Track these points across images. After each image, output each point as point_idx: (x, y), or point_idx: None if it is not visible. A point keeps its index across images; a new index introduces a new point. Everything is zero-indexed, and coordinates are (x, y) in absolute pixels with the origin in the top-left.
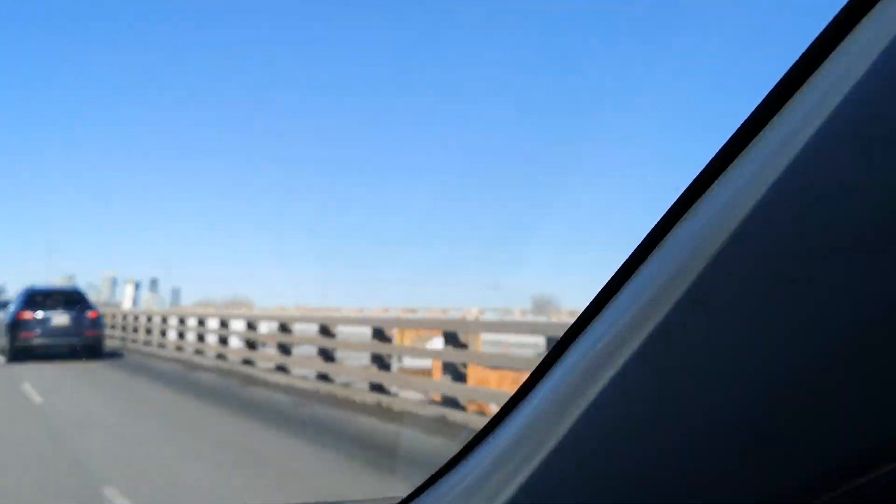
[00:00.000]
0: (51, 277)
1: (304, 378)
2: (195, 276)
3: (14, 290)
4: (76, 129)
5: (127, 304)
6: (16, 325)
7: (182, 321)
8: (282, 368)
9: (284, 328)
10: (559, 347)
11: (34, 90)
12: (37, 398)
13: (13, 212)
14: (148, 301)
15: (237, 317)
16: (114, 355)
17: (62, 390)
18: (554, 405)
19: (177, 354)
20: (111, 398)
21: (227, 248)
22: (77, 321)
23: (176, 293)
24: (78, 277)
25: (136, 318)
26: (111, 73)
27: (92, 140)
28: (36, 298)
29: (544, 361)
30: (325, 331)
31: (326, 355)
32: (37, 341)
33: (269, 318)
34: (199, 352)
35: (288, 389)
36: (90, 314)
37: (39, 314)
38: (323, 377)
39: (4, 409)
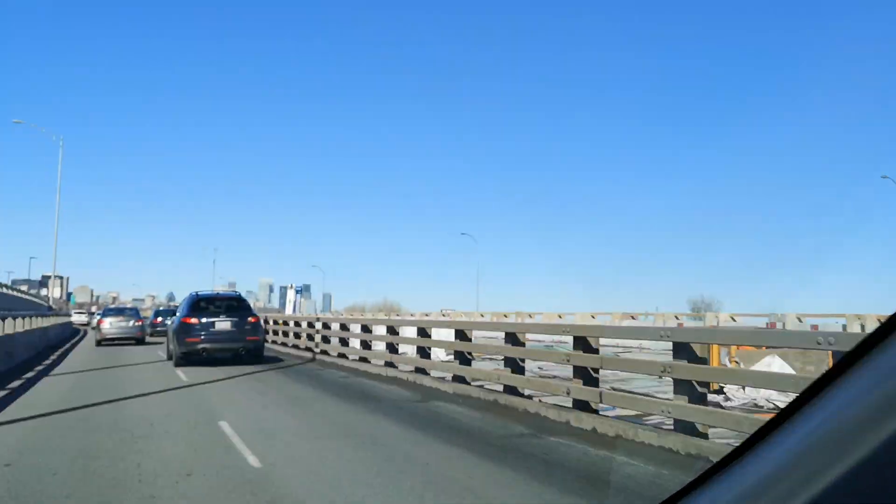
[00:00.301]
0: (214, 284)
1: (483, 388)
2: (344, 281)
3: (182, 298)
4: (236, 146)
5: (289, 310)
6: (182, 330)
7: (345, 327)
8: (460, 379)
9: (463, 336)
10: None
11: (205, 116)
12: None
13: (184, 225)
14: (301, 306)
15: (408, 323)
16: (275, 360)
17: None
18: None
19: (339, 361)
20: (298, 422)
21: (375, 254)
22: (239, 326)
23: (327, 298)
24: (238, 284)
25: (297, 323)
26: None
27: (248, 156)
28: (200, 304)
29: (812, 388)
30: (514, 339)
31: (515, 366)
32: (201, 346)
33: (447, 326)
34: (364, 359)
35: (472, 403)
36: (251, 319)
37: (203, 319)
38: (511, 390)
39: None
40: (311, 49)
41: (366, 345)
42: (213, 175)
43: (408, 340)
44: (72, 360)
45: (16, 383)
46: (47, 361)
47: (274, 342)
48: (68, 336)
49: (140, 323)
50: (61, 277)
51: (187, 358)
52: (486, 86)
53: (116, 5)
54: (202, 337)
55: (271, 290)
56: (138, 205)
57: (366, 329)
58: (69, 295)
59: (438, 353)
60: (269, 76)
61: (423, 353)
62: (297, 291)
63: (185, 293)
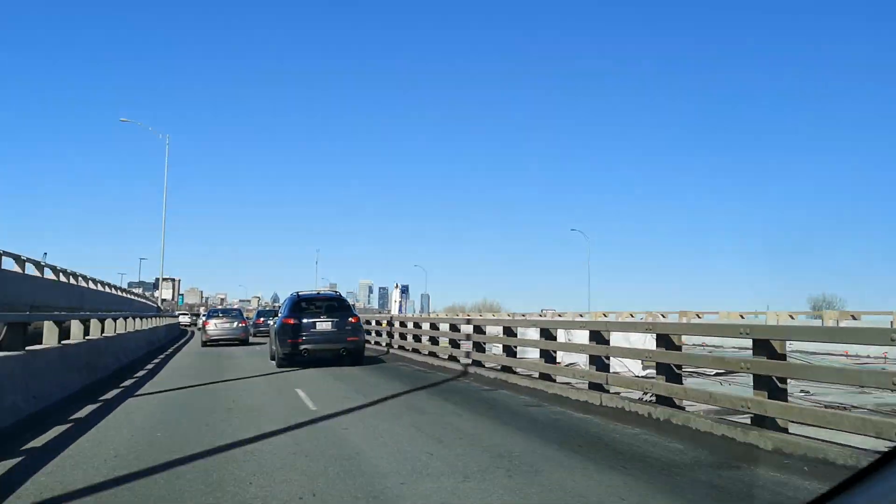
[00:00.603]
0: (317, 286)
1: (625, 398)
2: (442, 282)
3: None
4: (340, 149)
5: (395, 310)
6: (283, 331)
7: (455, 328)
8: (598, 387)
9: (599, 338)
10: None
11: (311, 120)
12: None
13: (289, 227)
14: (403, 306)
15: (526, 324)
16: (376, 360)
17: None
18: None
19: (448, 364)
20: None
21: (474, 254)
22: (340, 327)
23: (425, 299)
24: (339, 286)
25: (402, 324)
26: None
27: (351, 159)
28: (301, 305)
29: None
30: (668, 342)
31: (669, 374)
32: (302, 346)
33: (578, 327)
34: (477, 363)
35: (617, 415)
36: (352, 319)
37: (304, 320)
38: (665, 402)
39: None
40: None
41: (509, 350)
42: (318, 177)
43: (574, 347)
44: (178, 360)
45: (128, 382)
46: (149, 366)
47: (378, 343)
48: (175, 336)
49: (244, 324)
50: (173, 280)
51: (290, 359)
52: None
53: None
54: (303, 338)
55: (371, 291)
56: (246, 208)
57: (509, 332)
58: (180, 296)
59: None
60: (374, 81)
61: (601, 364)
62: (401, 291)
63: (288, 294)
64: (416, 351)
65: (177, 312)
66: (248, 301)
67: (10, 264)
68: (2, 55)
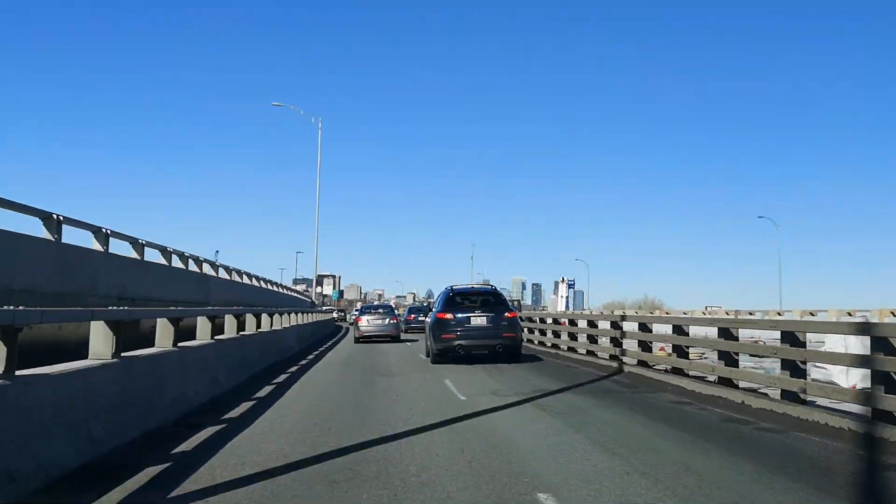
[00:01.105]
0: (472, 281)
1: (826, 410)
2: (599, 278)
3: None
4: (493, 142)
5: (560, 306)
6: (437, 327)
7: (618, 326)
8: (793, 397)
9: (794, 339)
10: None
11: (464, 112)
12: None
13: (443, 224)
14: (552, 303)
15: (700, 322)
16: (533, 358)
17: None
18: None
19: (607, 363)
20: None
21: (634, 248)
22: (495, 322)
23: (579, 295)
24: (491, 282)
25: (557, 321)
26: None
27: (506, 151)
28: (455, 299)
29: None
30: (887, 347)
31: (888, 383)
32: (456, 342)
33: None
34: (643, 363)
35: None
36: (508, 315)
37: (458, 315)
38: (885, 416)
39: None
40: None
41: (679, 351)
42: (473, 172)
43: (763, 349)
44: (333, 355)
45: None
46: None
47: (530, 342)
48: (330, 333)
49: (395, 321)
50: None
51: (444, 355)
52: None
53: None
54: (458, 333)
55: (524, 287)
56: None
57: (679, 331)
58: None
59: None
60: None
61: (796, 369)
62: (568, 286)
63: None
64: (572, 350)
65: (329, 308)
66: (404, 297)
67: (174, 261)
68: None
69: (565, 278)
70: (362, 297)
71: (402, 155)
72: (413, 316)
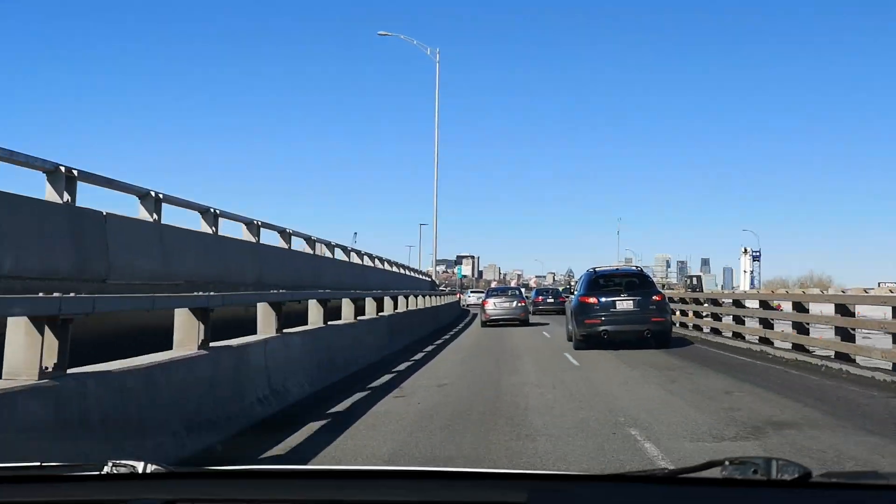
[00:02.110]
0: (617, 259)
1: None
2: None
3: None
4: (642, 115)
5: (744, 283)
6: (580, 311)
7: (801, 307)
8: None
9: None
10: None
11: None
12: None
13: (585, 200)
14: (723, 280)
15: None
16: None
17: None
18: None
19: (793, 356)
20: None
21: (804, 222)
22: (642, 306)
23: (728, 272)
24: (634, 260)
25: (715, 301)
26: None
27: (661, 122)
28: (598, 282)
29: None
30: None
31: None
32: (601, 328)
33: None
34: (842, 356)
35: None
36: (655, 297)
37: (603, 299)
38: None
39: None
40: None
41: None
42: (618, 142)
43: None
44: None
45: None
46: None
47: (684, 325)
48: (458, 316)
49: (523, 304)
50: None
51: (588, 341)
52: None
53: None
54: (602, 318)
55: (668, 265)
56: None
57: None
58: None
59: None
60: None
61: None
62: (753, 257)
63: (584, 269)
64: (738, 336)
65: (451, 289)
66: (543, 277)
67: (299, 244)
68: None
69: (748, 248)
70: (501, 277)
71: (540, 114)
72: (541, 298)
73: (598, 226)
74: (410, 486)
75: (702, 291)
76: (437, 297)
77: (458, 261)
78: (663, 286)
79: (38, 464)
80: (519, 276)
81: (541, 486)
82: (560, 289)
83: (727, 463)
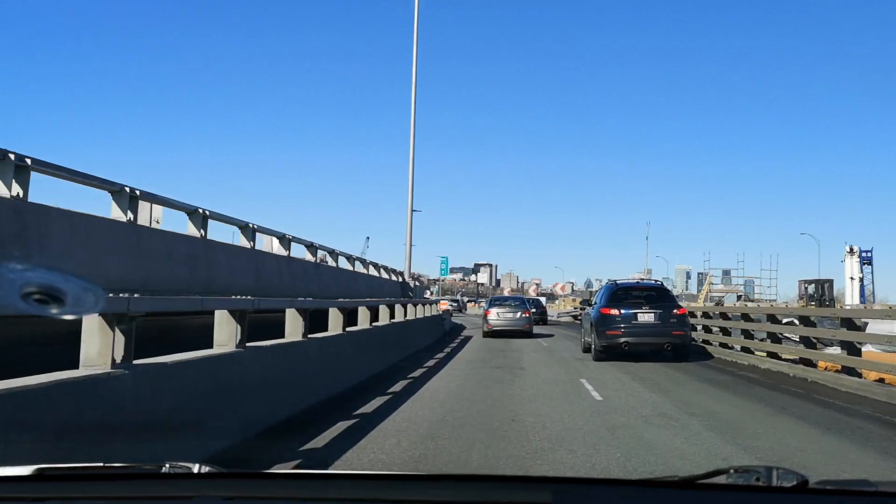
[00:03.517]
0: (646, 265)
1: None
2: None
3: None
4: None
5: (850, 296)
6: (601, 322)
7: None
8: None
9: None
10: None
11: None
12: None
13: (607, 210)
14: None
15: None
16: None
17: None
18: None
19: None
20: None
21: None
22: (663, 319)
23: (749, 284)
24: (654, 273)
25: (747, 317)
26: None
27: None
28: (619, 294)
29: None
30: None
31: None
32: (622, 339)
33: None
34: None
35: None
36: (677, 311)
37: (624, 311)
38: None
39: None
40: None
41: None
42: (645, 155)
43: None
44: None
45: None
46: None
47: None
48: (437, 340)
49: (527, 314)
50: (490, 265)
51: (608, 352)
52: None
53: None
54: (623, 330)
55: (688, 276)
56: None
57: None
58: (497, 281)
59: None
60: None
61: None
62: (862, 259)
63: (606, 278)
64: (775, 356)
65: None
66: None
67: (300, 251)
68: None
69: (855, 247)
70: (519, 286)
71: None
72: (495, 311)
73: (622, 235)
74: (444, 488)
75: (832, 305)
76: (410, 308)
77: (476, 269)
78: (739, 297)
79: (102, 464)
80: (537, 285)
81: (564, 489)
82: (542, 300)
83: (732, 471)
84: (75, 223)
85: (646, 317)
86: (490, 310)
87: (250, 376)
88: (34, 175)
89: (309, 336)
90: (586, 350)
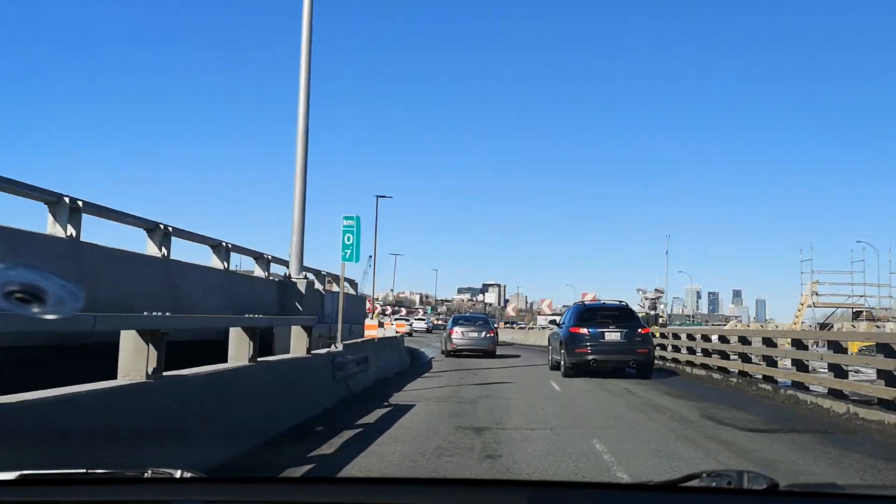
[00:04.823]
0: (667, 279)
1: None
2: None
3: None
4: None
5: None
6: (570, 341)
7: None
8: None
9: None
10: None
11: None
12: None
13: (623, 224)
14: (731, 314)
15: None
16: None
17: None
18: None
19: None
20: None
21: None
22: (629, 337)
23: (761, 305)
24: (666, 292)
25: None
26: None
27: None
28: (585, 314)
29: None
30: None
31: None
32: (590, 357)
33: None
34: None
35: None
36: (641, 331)
37: (592, 330)
38: None
39: None
40: None
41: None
42: (659, 171)
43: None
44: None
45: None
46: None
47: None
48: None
49: (491, 334)
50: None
51: (577, 368)
52: None
53: None
54: (590, 348)
55: (698, 296)
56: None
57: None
58: (505, 301)
59: None
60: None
61: None
62: None
63: (618, 296)
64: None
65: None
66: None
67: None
68: None
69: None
70: (527, 306)
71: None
72: (460, 330)
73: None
74: (421, 492)
75: None
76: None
77: (484, 289)
78: (857, 313)
79: (84, 470)
80: (549, 305)
81: (539, 492)
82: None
83: (705, 475)
84: None
85: (613, 335)
86: (454, 329)
87: None
88: None
89: None
90: (554, 367)
